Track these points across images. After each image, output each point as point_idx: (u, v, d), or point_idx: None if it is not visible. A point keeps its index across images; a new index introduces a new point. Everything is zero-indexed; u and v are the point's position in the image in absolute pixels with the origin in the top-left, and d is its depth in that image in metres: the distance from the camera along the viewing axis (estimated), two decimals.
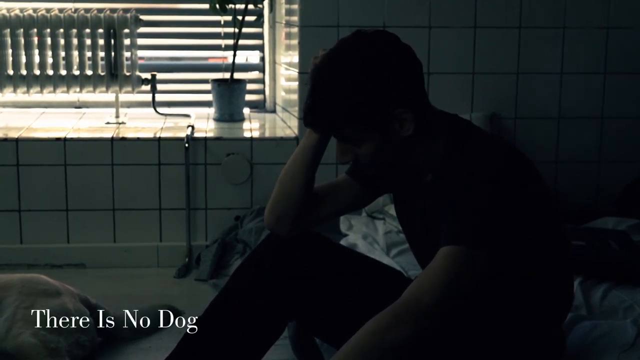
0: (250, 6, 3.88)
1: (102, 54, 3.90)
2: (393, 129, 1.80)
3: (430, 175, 1.91)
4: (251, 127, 3.95)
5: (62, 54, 3.88)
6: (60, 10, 3.89)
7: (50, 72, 3.89)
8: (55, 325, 2.56)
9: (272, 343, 2.11)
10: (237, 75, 4.05)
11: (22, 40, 3.85)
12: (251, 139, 3.70)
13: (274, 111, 4.27)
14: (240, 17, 3.90)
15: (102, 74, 3.90)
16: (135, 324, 2.91)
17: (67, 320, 2.60)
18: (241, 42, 3.99)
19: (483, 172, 1.79)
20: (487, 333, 1.89)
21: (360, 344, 1.75)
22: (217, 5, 3.85)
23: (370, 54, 1.78)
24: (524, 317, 1.91)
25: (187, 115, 4.05)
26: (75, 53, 3.88)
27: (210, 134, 3.71)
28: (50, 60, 3.88)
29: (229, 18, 3.99)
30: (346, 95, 1.78)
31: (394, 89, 1.77)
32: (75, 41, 3.86)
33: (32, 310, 2.56)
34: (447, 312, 1.75)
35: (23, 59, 3.87)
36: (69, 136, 3.63)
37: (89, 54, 3.88)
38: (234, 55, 3.98)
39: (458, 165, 1.82)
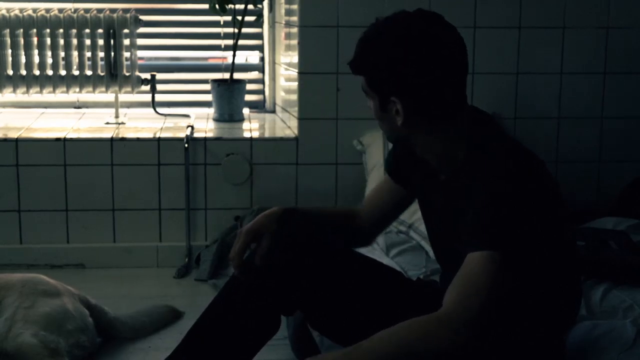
0: (250, 6, 3.88)
1: (101, 54, 3.90)
2: (391, 109, 1.89)
3: (447, 174, 1.94)
4: (251, 127, 3.95)
5: (62, 54, 3.88)
6: (60, 11, 3.89)
7: (49, 72, 3.89)
8: (55, 326, 2.56)
9: (269, 338, 2.11)
10: (237, 76, 4.05)
11: (22, 41, 3.84)
12: (251, 139, 3.70)
13: (273, 111, 4.27)
14: (239, 17, 3.90)
15: (102, 74, 3.90)
16: (135, 324, 2.91)
17: (67, 320, 2.60)
18: (241, 42, 3.99)
19: (505, 176, 1.80)
20: (499, 339, 1.88)
21: (405, 348, 1.73)
22: (217, 6, 3.85)
23: (405, 33, 1.87)
24: (533, 321, 1.91)
25: (187, 116, 4.05)
26: (75, 53, 3.88)
27: (210, 134, 3.71)
28: (49, 60, 3.88)
29: (229, 18, 3.99)
30: (371, 51, 1.89)
31: (395, 77, 1.85)
32: (74, 41, 3.86)
33: (32, 311, 2.56)
34: (492, 317, 1.74)
35: (23, 59, 3.87)
36: (68, 136, 3.63)
37: (88, 54, 3.88)
38: (234, 56, 3.98)
39: (479, 168, 1.83)
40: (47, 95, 3.96)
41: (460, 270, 1.77)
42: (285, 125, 3.95)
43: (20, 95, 3.95)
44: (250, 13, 3.92)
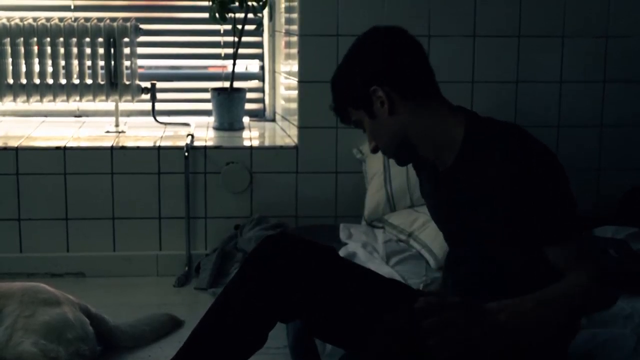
0: (250, 15, 3.89)
1: (102, 62, 3.90)
2: (376, 107, 1.98)
3: (447, 164, 1.98)
4: (251, 135, 3.96)
5: (62, 62, 3.88)
6: (60, 20, 3.90)
7: (50, 81, 3.90)
8: (55, 335, 2.56)
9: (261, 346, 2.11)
10: (237, 84, 4.05)
11: (22, 49, 3.85)
12: (251, 147, 3.70)
13: (273, 120, 4.27)
14: (240, 26, 3.90)
15: (102, 82, 3.91)
16: (135, 333, 2.91)
17: (67, 329, 2.60)
18: (241, 51, 3.99)
19: (528, 155, 1.89)
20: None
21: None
22: (217, 14, 3.86)
23: (359, 42, 2.05)
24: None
25: (187, 124, 4.06)
26: (75, 62, 3.88)
27: (210, 143, 3.72)
28: (50, 69, 3.89)
29: (229, 27, 3.99)
30: (338, 82, 2.06)
31: (370, 69, 1.98)
32: (75, 50, 3.87)
33: (33, 320, 2.56)
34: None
35: (23, 68, 3.87)
36: (68, 145, 3.63)
37: (88, 62, 3.89)
38: (234, 64, 3.99)
39: (486, 148, 1.90)
40: (48, 103, 3.97)
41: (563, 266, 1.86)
42: (285, 133, 3.95)
43: (20, 104, 3.95)
44: (250, 22, 3.93)
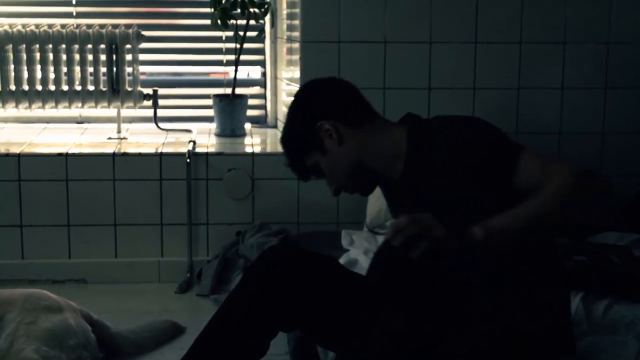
0: (252, 22, 3.89)
1: (103, 69, 3.91)
2: (326, 142, 2.09)
3: (398, 172, 2.07)
4: (252, 142, 3.96)
5: (64, 69, 3.89)
6: (62, 26, 3.91)
7: (52, 87, 3.90)
8: (57, 341, 2.56)
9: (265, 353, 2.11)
10: (239, 91, 4.06)
11: (25, 56, 3.86)
12: (252, 154, 3.70)
13: (275, 126, 4.27)
14: (241, 33, 3.91)
15: (104, 89, 3.91)
16: (136, 339, 2.91)
17: (69, 336, 2.60)
18: (243, 57, 4.00)
19: (466, 124, 2.05)
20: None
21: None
22: (219, 21, 3.86)
23: (297, 94, 2.21)
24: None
25: (189, 131, 4.06)
26: (77, 68, 3.89)
27: (212, 149, 3.72)
28: (52, 75, 3.90)
29: (231, 34, 4.00)
30: (286, 136, 2.19)
31: (313, 110, 2.12)
32: (77, 57, 3.88)
33: (34, 326, 2.56)
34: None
35: (25, 75, 3.88)
36: (70, 151, 3.64)
37: (90, 69, 3.90)
38: (236, 71, 3.99)
39: (425, 146, 2.02)
40: (50, 110, 3.97)
41: (525, 174, 1.93)
42: None
43: (22, 111, 3.96)
44: (252, 28, 3.94)
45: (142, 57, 3.99)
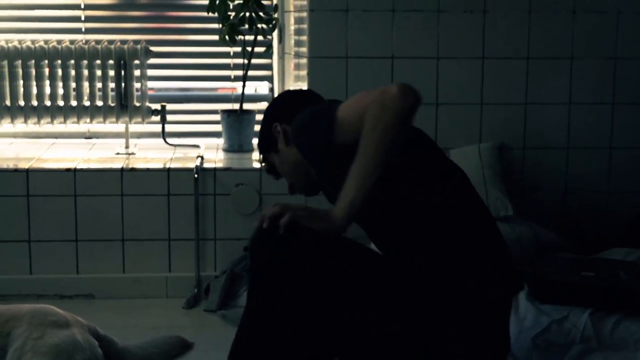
0: (260, 37, 3.91)
1: (112, 85, 3.93)
2: (279, 142, 2.37)
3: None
4: (260, 157, 3.96)
5: (73, 85, 3.91)
6: (71, 42, 3.93)
7: (61, 103, 3.92)
8: (64, 357, 2.56)
9: None
10: (247, 106, 4.07)
11: (34, 72, 3.88)
12: (260, 169, 3.71)
13: None
14: (249, 48, 3.92)
15: (112, 104, 3.93)
16: (144, 355, 2.91)
17: (76, 351, 2.60)
18: (250, 73, 4.01)
19: None
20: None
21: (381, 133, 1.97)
22: (227, 37, 3.88)
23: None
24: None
25: (197, 146, 4.07)
26: (86, 84, 3.91)
27: (220, 165, 3.73)
28: (61, 91, 3.92)
29: (239, 49, 4.01)
30: (259, 138, 2.51)
31: (273, 114, 2.43)
32: (85, 72, 3.90)
33: (42, 342, 2.56)
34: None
35: (34, 90, 3.90)
36: (79, 167, 3.65)
37: (99, 85, 3.92)
38: (244, 86, 4.00)
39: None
40: (58, 125, 3.99)
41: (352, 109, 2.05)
42: None
43: (31, 126, 3.97)
44: (260, 44, 3.95)
45: (151, 72, 4.01)
